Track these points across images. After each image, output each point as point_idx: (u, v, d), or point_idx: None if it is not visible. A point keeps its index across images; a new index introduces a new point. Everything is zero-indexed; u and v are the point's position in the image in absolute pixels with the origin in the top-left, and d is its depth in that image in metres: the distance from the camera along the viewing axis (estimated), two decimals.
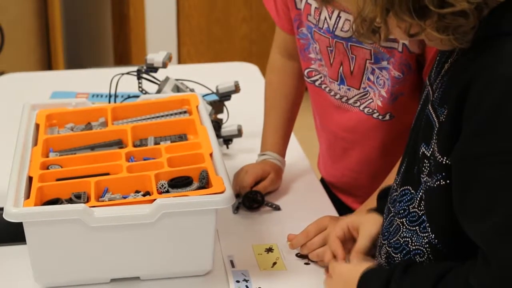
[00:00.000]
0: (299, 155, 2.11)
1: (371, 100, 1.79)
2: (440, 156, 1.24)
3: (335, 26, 1.74)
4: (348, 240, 1.57)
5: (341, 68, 1.79)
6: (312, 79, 1.89)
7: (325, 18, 1.75)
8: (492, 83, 1.14)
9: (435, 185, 1.26)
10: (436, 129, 1.26)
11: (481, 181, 1.17)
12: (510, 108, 1.13)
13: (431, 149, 1.28)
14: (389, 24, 1.22)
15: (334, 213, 1.83)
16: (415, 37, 1.22)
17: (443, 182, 1.25)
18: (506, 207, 1.14)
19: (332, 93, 1.85)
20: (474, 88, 1.17)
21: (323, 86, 1.87)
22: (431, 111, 1.29)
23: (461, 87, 1.19)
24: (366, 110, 1.80)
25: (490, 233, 1.16)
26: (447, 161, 1.23)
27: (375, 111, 1.79)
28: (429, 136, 1.29)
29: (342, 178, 1.98)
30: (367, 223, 1.54)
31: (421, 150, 1.30)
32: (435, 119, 1.27)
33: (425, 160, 1.29)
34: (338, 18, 1.73)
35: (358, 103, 1.81)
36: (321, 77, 1.87)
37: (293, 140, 2.12)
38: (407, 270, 1.29)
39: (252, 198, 1.83)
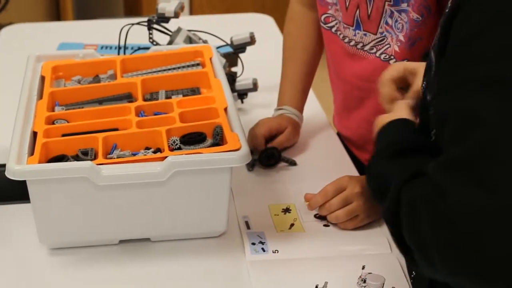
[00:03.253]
0: (316, 109, 2.04)
1: (388, 46, 1.73)
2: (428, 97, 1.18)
3: None
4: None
5: (358, 11, 1.72)
6: (329, 25, 1.82)
7: None
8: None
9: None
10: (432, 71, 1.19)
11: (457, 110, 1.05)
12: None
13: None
14: None
15: (353, 169, 1.78)
16: None
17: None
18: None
19: (347, 39, 1.79)
20: (464, 7, 1.07)
21: (338, 32, 1.81)
22: (432, 55, 1.21)
23: (451, 8, 1.10)
24: (382, 56, 1.74)
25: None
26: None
27: (392, 57, 1.73)
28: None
29: (358, 130, 1.91)
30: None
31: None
32: (434, 61, 1.19)
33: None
34: None
35: (375, 49, 1.75)
36: (336, 23, 1.80)
37: (310, 93, 2.04)
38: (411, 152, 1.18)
39: (269, 154, 1.75)
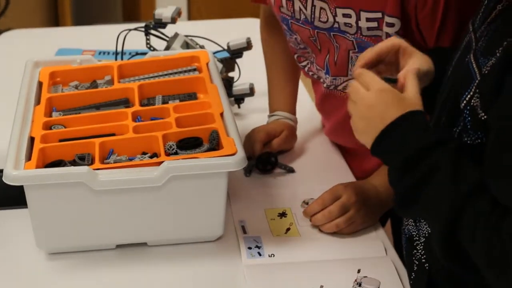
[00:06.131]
0: (310, 109, 2.04)
1: None
2: (482, 113, 1.15)
3: (313, 16, 1.64)
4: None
5: (327, 56, 1.70)
6: (302, 64, 1.81)
7: (300, 9, 1.65)
8: None
9: (474, 142, 1.17)
10: (476, 81, 1.17)
11: None
12: None
13: (465, 102, 1.18)
14: None
15: (349, 173, 1.78)
16: None
17: (483, 140, 1.15)
18: None
19: (321, 80, 1.77)
20: None
21: (310, 73, 1.80)
22: (472, 60, 1.20)
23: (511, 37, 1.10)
24: None
25: None
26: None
27: None
28: (466, 88, 1.19)
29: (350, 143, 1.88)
30: (421, 55, 1.34)
31: (460, 101, 1.21)
32: (476, 70, 1.18)
33: (461, 114, 1.20)
34: (313, 8, 1.62)
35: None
36: (308, 64, 1.79)
37: (304, 96, 2.06)
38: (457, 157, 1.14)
39: (266, 159, 1.76)
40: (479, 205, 1.08)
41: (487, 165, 1.11)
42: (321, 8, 1.61)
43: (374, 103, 1.20)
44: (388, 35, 1.54)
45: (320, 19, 1.63)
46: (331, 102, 1.79)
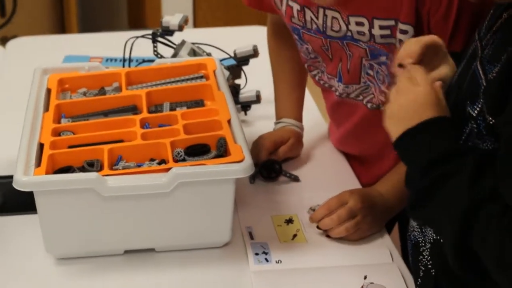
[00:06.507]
0: (316, 116, 2.05)
1: (372, 96, 1.71)
2: (490, 118, 1.16)
3: (324, 25, 1.64)
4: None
5: (340, 64, 1.71)
6: (312, 73, 1.82)
7: (311, 19, 1.66)
8: None
9: (490, 147, 1.18)
10: (482, 87, 1.18)
11: None
12: None
13: (478, 109, 1.19)
14: None
15: (355, 181, 1.79)
16: None
17: (496, 145, 1.16)
18: None
19: (333, 88, 1.78)
20: None
21: (321, 82, 1.80)
22: (479, 67, 1.21)
23: None
24: (369, 105, 1.73)
25: None
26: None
27: (380, 105, 1.70)
28: (475, 95, 1.20)
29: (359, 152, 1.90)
30: (451, 60, 1.34)
31: (466, 110, 1.22)
32: (482, 77, 1.19)
33: (471, 121, 1.21)
34: (325, 17, 1.63)
35: (361, 97, 1.74)
36: (318, 73, 1.80)
37: (310, 102, 2.07)
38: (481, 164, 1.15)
39: (270, 167, 1.77)
40: (492, 208, 1.09)
41: (498, 168, 1.13)
42: (333, 17, 1.61)
43: (418, 99, 1.22)
44: (401, 42, 1.54)
45: (333, 28, 1.63)
46: (343, 110, 1.80)
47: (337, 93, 1.77)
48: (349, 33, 1.62)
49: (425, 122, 1.19)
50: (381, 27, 1.57)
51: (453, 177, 1.13)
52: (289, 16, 1.70)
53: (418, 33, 1.53)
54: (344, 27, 1.61)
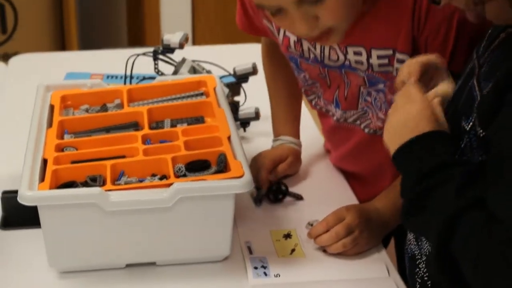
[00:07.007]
0: (313, 133, 2.07)
1: (370, 121, 1.73)
2: (481, 130, 1.20)
3: (322, 55, 1.66)
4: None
5: (337, 91, 1.72)
6: (309, 98, 1.83)
7: (309, 49, 1.68)
8: None
9: (478, 160, 1.22)
10: (477, 102, 1.22)
11: None
12: None
13: (471, 123, 1.23)
14: None
15: (352, 197, 1.81)
16: (479, 5, 1.18)
17: (484, 158, 1.20)
18: None
19: (330, 113, 1.80)
20: None
21: (318, 107, 1.82)
22: (475, 84, 1.25)
23: None
24: (366, 130, 1.75)
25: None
26: (486, 135, 1.19)
27: (377, 130, 1.72)
28: (469, 110, 1.24)
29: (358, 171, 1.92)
30: (450, 78, 1.38)
31: (461, 125, 1.26)
32: (478, 93, 1.23)
33: (465, 135, 1.25)
34: (323, 47, 1.65)
35: (358, 122, 1.75)
36: (315, 98, 1.82)
37: (308, 119, 2.09)
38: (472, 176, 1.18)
39: (276, 190, 1.78)
40: (476, 215, 1.12)
41: (487, 175, 1.16)
42: (330, 47, 1.63)
43: (414, 115, 1.26)
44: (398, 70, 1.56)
45: (331, 58, 1.65)
46: (341, 134, 1.81)
47: (334, 118, 1.78)
48: (347, 62, 1.63)
49: (419, 136, 1.24)
50: (379, 57, 1.59)
51: (440, 187, 1.17)
52: (286, 46, 1.72)
53: None
54: (342, 57, 1.63)
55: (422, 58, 1.36)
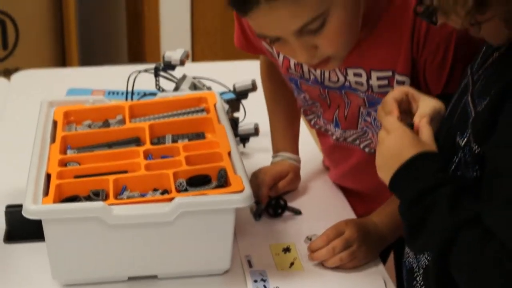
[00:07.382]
0: (312, 149, 2.10)
1: (370, 141, 1.75)
2: (475, 147, 1.23)
3: (322, 77, 1.68)
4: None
5: (337, 111, 1.74)
6: (308, 117, 1.85)
7: (309, 70, 1.69)
8: None
9: (474, 175, 1.25)
10: (471, 118, 1.25)
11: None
12: None
13: (466, 139, 1.26)
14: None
15: (351, 212, 1.83)
16: (475, 25, 1.20)
17: (479, 173, 1.23)
18: None
19: (329, 132, 1.82)
20: None
21: (316, 126, 1.84)
22: (469, 100, 1.28)
23: (507, 80, 1.18)
24: (367, 149, 1.77)
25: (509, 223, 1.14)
26: (481, 151, 1.21)
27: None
28: (464, 126, 1.27)
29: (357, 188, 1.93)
30: (428, 98, 1.39)
31: (456, 140, 1.29)
32: (472, 109, 1.25)
33: (460, 151, 1.28)
34: (323, 70, 1.67)
35: (358, 141, 1.77)
36: (314, 117, 1.84)
37: (306, 135, 2.11)
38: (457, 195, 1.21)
39: (276, 205, 1.80)
40: (471, 233, 1.15)
41: (482, 189, 1.19)
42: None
43: (393, 146, 1.30)
44: None
45: (331, 79, 1.66)
46: (340, 153, 1.83)
47: (334, 137, 1.80)
48: (347, 83, 1.65)
49: (402, 165, 1.27)
50: (378, 78, 1.61)
51: (434, 207, 1.20)
52: (286, 67, 1.74)
53: (413, 82, 1.57)
54: (342, 78, 1.65)
55: (394, 94, 1.39)
